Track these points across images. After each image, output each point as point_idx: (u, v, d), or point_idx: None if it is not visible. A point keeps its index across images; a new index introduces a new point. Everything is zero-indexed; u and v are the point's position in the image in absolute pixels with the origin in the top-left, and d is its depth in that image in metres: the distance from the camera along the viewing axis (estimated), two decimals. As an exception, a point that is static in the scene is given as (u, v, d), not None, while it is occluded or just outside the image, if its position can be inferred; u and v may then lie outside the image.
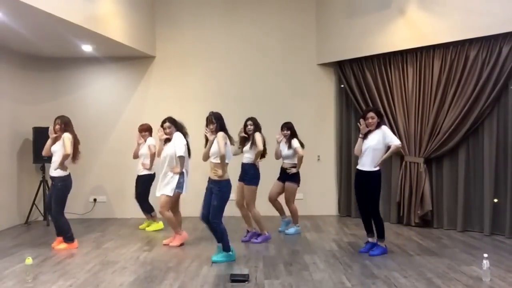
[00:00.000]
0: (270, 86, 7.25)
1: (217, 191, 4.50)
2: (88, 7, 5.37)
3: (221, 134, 4.49)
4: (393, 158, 6.56)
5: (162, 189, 5.21)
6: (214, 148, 4.49)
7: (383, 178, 6.55)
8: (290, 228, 5.88)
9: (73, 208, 7.12)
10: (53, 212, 5.16)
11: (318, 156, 7.20)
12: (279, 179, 5.84)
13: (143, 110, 7.14)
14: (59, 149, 5.11)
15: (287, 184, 5.74)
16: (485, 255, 3.89)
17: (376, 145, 4.68)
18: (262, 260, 4.63)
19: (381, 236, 4.82)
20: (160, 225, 6.20)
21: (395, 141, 4.67)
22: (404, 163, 6.31)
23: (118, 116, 7.22)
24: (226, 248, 4.59)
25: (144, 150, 6.09)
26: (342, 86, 7.12)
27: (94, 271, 4.30)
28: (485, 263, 3.84)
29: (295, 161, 5.69)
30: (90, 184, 7.23)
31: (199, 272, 4.22)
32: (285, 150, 5.73)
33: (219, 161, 4.47)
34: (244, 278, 3.94)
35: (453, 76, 5.86)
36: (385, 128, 4.75)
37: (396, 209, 6.44)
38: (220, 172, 4.47)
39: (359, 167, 4.83)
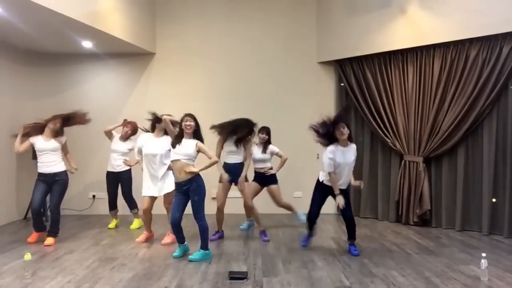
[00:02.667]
0: (270, 84, 7.25)
1: (196, 186, 4.50)
2: (89, 3, 5.36)
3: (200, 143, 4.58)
4: (392, 157, 6.58)
5: (164, 189, 5.20)
6: (189, 151, 4.50)
7: (382, 177, 6.65)
8: (299, 215, 5.90)
9: (72, 205, 7.14)
10: (55, 206, 5.27)
11: (318, 154, 7.18)
12: (255, 181, 5.78)
13: (143, 107, 7.06)
14: (57, 147, 5.31)
15: (272, 186, 5.72)
16: (483, 254, 3.91)
17: None
18: (260, 257, 4.64)
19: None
20: (140, 222, 6.09)
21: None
22: (403, 162, 6.31)
23: (117, 113, 7.19)
24: (205, 246, 4.60)
25: (125, 148, 6.03)
26: (342, 84, 7.12)
27: (93, 268, 4.30)
28: (483, 262, 3.85)
29: (268, 164, 5.71)
30: (89, 180, 7.22)
31: (198, 269, 4.22)
32: (259, 154, 5.67)
33: (191, 162, 4.52)
34: (242, 276, 3.94)
35: (453, 76, 5.86)
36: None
37: (395, 208, 6.46)
38: (195, 169, 4.49)
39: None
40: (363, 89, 6.73)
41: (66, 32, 5.67)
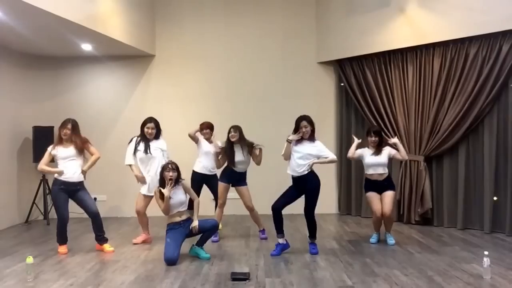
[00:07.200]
0: (270, 85, 7.25)
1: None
2: (88, 6, 5.37)
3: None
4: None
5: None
6: (183, 197, 4.80)
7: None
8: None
9: (73, 207, 7.11)
10: (97, 211, 5.15)
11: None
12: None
13: (143, 109, 7.11)
14: (76, 154, 4.99)
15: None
16: (486, 252, 3.90)
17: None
18: (262, 258, 4.64)
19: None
20: None
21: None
22: (404, 161, 6.30)
23: (117, 115, 7.22)
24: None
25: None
26: (342, 84, 7.12)
27: (95, 270, 4.30)
28: (486, 260, 3.84)
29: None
30: (90, 183, 7.15)
31: (200, 271, 4.22)
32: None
33: None
34: (245, 277, 3.93)
35: (453, 74, 5.87)
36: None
37: (396, 207, 6.44)
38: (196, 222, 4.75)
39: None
40: (363, 88, 6.73)
41: (66, 35, 5.67)
